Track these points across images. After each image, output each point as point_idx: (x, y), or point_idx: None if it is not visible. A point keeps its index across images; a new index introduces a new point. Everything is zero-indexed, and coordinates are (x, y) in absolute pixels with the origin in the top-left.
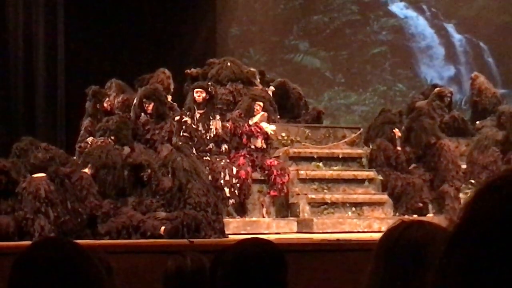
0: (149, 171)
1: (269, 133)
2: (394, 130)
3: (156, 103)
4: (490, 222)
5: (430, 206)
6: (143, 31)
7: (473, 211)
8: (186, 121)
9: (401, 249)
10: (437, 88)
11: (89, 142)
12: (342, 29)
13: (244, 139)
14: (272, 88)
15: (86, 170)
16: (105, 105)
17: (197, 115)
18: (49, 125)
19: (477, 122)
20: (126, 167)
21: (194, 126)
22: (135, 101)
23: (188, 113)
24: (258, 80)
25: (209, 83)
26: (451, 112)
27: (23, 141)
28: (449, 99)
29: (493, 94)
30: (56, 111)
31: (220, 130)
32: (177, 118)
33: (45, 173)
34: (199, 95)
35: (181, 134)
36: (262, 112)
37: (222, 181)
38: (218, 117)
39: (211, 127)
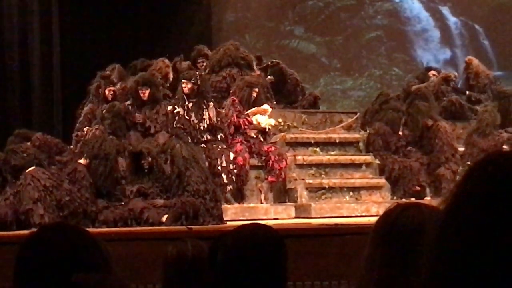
0: (150, 159)
1: (266, 129)
2: (403, 119)
3: (153, 89)
4: (478, 200)
5: (427, 190)
6: (139, 18)
7: (463, 190)
8: (178, 112)
9: (399, 232)
10: (444, 72)
11: (85, 131)
12: (337, 14)
13: (232, 130)
14: (270, 77)
15: (82, 160)
16: (106, 92)
17: (190, 105)
18: (46, 113)
19: (478, 108)
20: (127, 155)
21: (186, 117)
22: (129, 88)
23: (180, 103)
24: (255, 65)
25: (197, 72)
26: (449, 96)
27: (12, 142)
28: (454, 83)
29: (486, 76)
30: (53, 100)
31: (214, 119)
32: (169, 108)
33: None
34: (185, 86)
35: (174, 125)
36: (266, 106)
37: (219, 167)
38: (211, 105)
39: (204, 116)
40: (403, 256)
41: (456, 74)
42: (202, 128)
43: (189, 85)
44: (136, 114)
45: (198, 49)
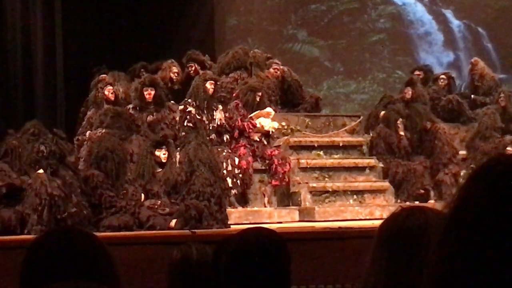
0: (165, 152)
1: (270, 132)
2: (399, 120)
3: (158, 91)
4: (482, 203)
5: (431, 193)
6: (142, 22)
7: (466, 193)
8: (190, 111)
9: (405, 236)
10: (436, 74)
11: (87, 136)
12: (340, 18)
13: (236, 133)
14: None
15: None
16: (106, 93)
17: (205, 106)
18: (49, 115)
19: (480, 110)
20: (149, 146)
21: (198, 117)
22: (134, 89)
23: (193, 103)
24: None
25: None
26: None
27: (13, 138)
28: (446, 82)
29: (492, 78)
30: (56, 102)
31: (223, 120)
32: (181, 107)
33: (42, 168)
34: (212, 87)
35: (185, 124)
36: (269, 109)
37: (225, 171)
38: (220, 107)
39: (215, 117)
40: (409, 259)
41: (446, 72)
42: (210, 128)
43: (213, 86)
44: (149, 117)
45: (189, 53)
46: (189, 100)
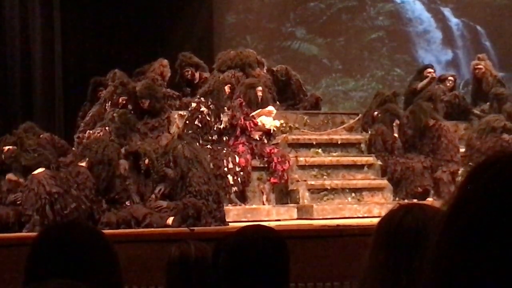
0: (146, 160)
1: (271, 131)
2: (395, 122)
3: (152, 100)
4: (480, 201)
5: (431, 192)
6: (140, 21)
7: (465, 191)
8: (203, 111)
9: (404, 233)
10: (443, 74)
11: (86, 135)
12: (339, 15)
13: (238, 132)
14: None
15: (84, 164)
16: (120, 100)
17: (212, 106)
18: (47, 114)
19: (476, 109)
20: (128, 156)
21: (208, 118)
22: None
23: (206, 103)
24: (259, 65)
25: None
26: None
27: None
28: (452, 83)
29: (494, 77)
30: (54, 102)
31: (227, 124)
32: (194, 105)
33: (43, 167)
34: (229, 90)
35: (195, 122)
36: (270, 108)
37: (226, 169)
38: (227, 111)
39: (222, 119)
40: (407, 257)
41: (453, 74)
42: (215, 128)
43: (229, 90)
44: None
45: (182, 57)
46: (203, 99)
